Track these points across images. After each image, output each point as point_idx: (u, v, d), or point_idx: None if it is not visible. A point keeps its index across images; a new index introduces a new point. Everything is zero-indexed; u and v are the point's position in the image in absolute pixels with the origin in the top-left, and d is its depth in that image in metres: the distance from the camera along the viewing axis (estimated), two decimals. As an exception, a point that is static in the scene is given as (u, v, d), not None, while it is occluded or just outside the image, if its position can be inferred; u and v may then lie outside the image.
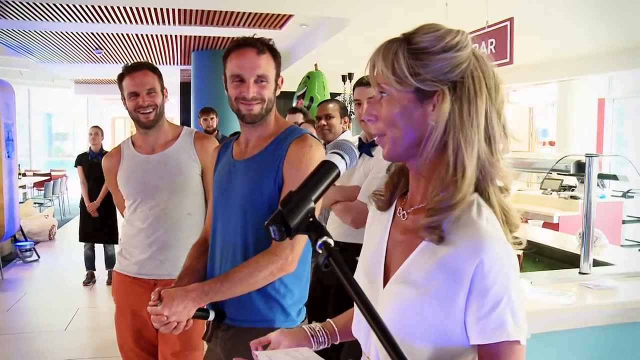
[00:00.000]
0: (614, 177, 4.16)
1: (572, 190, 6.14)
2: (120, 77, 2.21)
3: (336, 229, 2.70)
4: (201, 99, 8.80)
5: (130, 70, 2.19)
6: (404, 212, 1.05)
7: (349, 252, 2.63)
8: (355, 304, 1.12)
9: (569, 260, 2.89)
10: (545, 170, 2.67)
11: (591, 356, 2.23)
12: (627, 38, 6.62)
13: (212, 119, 5.81)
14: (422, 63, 0.93)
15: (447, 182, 0.93)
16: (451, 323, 0.92)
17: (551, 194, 6.36)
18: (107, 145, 6.71)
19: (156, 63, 10.50)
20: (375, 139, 2.58)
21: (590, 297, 2.27)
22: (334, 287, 2.70)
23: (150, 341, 2.26)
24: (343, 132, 3.44)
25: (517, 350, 0.91)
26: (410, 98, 0.94)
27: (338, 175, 0.86)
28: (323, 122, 3.38)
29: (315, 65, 5.88)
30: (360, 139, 2.81)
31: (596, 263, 2.58)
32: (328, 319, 1.27)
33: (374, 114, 0.98)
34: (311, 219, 0.78)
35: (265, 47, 1.69)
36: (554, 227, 5.49)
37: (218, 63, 8.56)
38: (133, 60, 10.32)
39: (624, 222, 6.58)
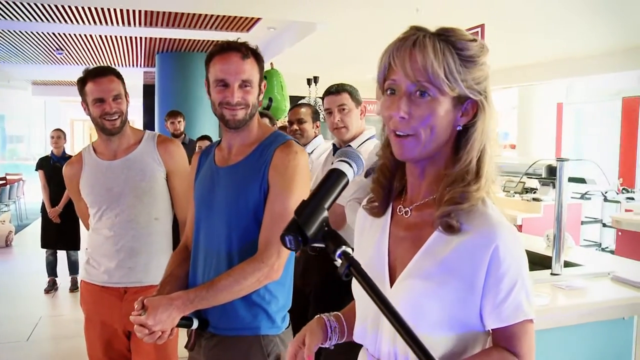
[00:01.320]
0: (583, 181, 4.31)
1: (534, 193, 6.31)
2: (83, 82, 2.13)
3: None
4: (165, 102, 8.66)
5: (94, 75, 2.11)
6: (406, 209, 1.06)
7: (328, 256, 2.68)
8: (357, 309, 1.13)
9: (538, 262, 2.97)
10: (512, 174, 2.74)
11: (564, 356, 2.30)
12: (584, 47, 6.87)
13: (179, 122, 5.73)
14: (467, 70, 0.95)
15: (468, 179, 0.97)
16: (468, 311, 0.96)
17: (514, 196, 6.51)
18: (68, 149, 6.57)
19: (119, 65, 10.28)
20: (347, 145, 2.62)
21: (563, 298, 2.33)
22: (313, 293, 2.71)
23: (121, 352, 2.20)
24: (315, 136, 3.44)
25: (529, 328, 0.98)
26: (447, 102, 0.96)
27: (347, 183, 0.86)
28: (295, 126, 3.37)
29: (271, 63, 5.83)
30: (334, 144, 2.82)
31: (565, 264, 2.66)
32: (337, 313, 1.23)
33: (407, 112, 0.95)
34: (326, 228, 0.78)
35: (249, 51, 1.67)
36: (518, 229, 5.61)
37: (183, 65, 8.44)
38: (95, 61, 10.07)
39: (582, 223, 6.80)
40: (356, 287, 1.13)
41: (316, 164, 3.10)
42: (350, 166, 0.88)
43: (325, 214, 0.79)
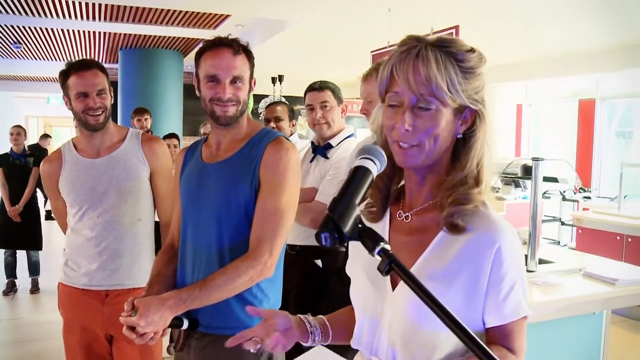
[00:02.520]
0: (555, 180, 4.45)
1: (497, 192, 6.46)
2: (65, 74, 2.05)
3: (292, 232, 2.70)
4: (129, 99, 8.47)
5: (78, 68, 2.03)
6: (406, 214, 1.08)
7: (308, 255, 2.67)
8: (356, 314, 1.13)
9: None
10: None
11: (542, 350, 2.37)
12: (543, 51, 7.09)
13: (146, 119, 5.60)
14: (467, 81, 0.97)
15: (469, 183, 1.00)
16: (472, 310, 0.98)
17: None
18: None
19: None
20: (326, 142, 2.62)
21: (540, 294, 2.40)
22: (293, 293, 2.70)
23: (102, 356, 2.14)
24: (291, 134, 3.44)
25: (524, 324, 1.02)
26: (449, 113, 0.98)
27: (372, 179, 0.87)
28: (272, 124, 3.36)
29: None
30: (312, 142, 2.83)
31: (539, 261, 2.74)
32: (321, 316, 1.23)
33: (412, 124, 0.97)
34: (360, 225, 0.78)
35: (240, 47, 1.66)
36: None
37: (148, 62, 8.28)
38: (55, 57, 9.77)
39: (543, 221, 7.01)
40: (356, 292, 1.13)
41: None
42: (374, 163, 0.88)
43: (358, 210, 0.79)
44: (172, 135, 5.43)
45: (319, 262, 2.66)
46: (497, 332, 1.01)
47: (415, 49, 0.97)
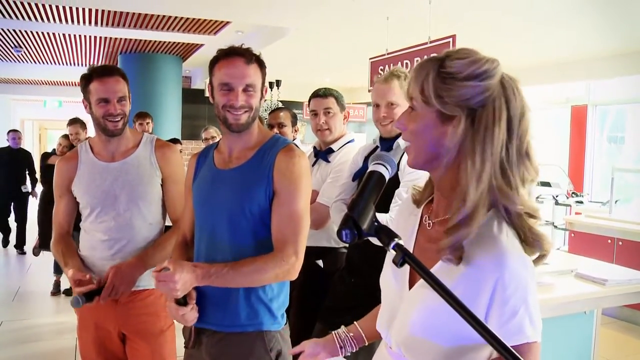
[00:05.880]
0: (548, 184, 4.55)
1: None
2: (87, 79, 2.08)
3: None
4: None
5: (100, 74, 2.06)
6: (430, 221, 1.13)
7: (309, 256, 2.75)
8: (382, 300, 1.23)
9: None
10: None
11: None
12: (536, 58, 7.23)
13: (147, 123, 5.69)
14: (446, 87, 0.99)
15: (460, 199, 0.99)
16: (471, 329, 0.99)
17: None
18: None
19: (79, 64, 10.06)
20: (328, 147, 2.71)
21: (534, 293, 2.50)
22: (295, 292, 2.78)
23: (115, 354, 2.19)
24: (294, 139, 3.54)
25: (533, 348, 0.98)
26: (432, 117, 1.02)
27: (384, 183, 0.97)
28: (276, 130, 3.45)
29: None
30: (314, 147, 2.93)
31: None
32: (354, 322, 1.34)
33: (403, 124, 1.07)
34: (376, 223, 0.88)
35: (253, 57, 1.73)
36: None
37: (147, 67, 8.34)
38: (55, 61, 9.82)
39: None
40: (382, 281, 1.21)
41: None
42: (386, 168, 0.99)
43: (374, 210, 0.90)
44: (175, 141, 5.52)
45: (320, 263, 2.74)
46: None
47: (419, 62, 1.08)
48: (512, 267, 0.95)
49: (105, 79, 2.06)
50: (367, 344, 1.33)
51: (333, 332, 1.33)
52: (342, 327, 1.35)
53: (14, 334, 4.73)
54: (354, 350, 1.33)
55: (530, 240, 1.00)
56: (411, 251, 1.11)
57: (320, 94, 2.80)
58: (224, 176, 1.76)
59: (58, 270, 5.73)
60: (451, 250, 0.97)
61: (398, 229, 1.18)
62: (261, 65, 1.76)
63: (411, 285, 1.10)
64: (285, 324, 1.80)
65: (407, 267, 1.10)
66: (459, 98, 0.98)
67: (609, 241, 5.05)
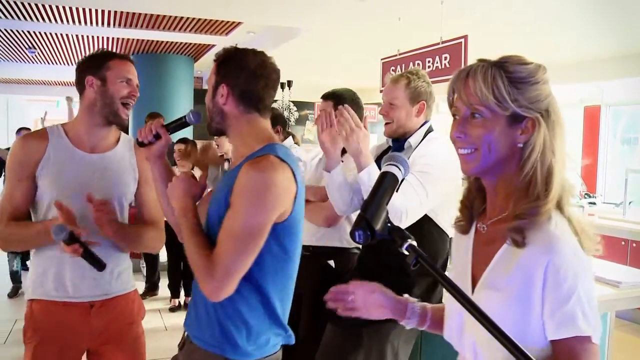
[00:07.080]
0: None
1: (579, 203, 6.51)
2: (108, 56, 1.92)
3: (306, 233, 2.77)
4: (140, 103, 8.37)
5: (121, 56, 1.94)
6: (484, 226, 1.16)
7: (321, 256, 2.76)
8: (446, 308, 1.24)
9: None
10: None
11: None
12: (551, 57, 7.17)
13: (159, 124, 5.70)
14: (520, 91, 1.05)
15: (535, 194, 1.04)
16: (531, 325, 1.01)
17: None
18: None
19: (91, 64, 10.11)
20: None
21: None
22: (307, 293, 2.78)
23: None
24: (285, 138, 3.54)
25: (589, 348, 0.98)
26: (502, 121, 1.06)
27: (397, 182, 0.97)
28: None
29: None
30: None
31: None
32: (426, 304, 1.35)
33: (463, 131, 1.08)
34: (389, 224, 0.89)
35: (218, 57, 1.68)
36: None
37: (159, 67, 8.36)
38: (68, 61, 9.91)
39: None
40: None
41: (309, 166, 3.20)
42: (399, 169, 0.99)
43: (387, 211, 0.90)
44: (182, 141, 5.50)
45: (331, 263, 2.74)
46: (559, 349, 1.00)
47: (470, 67, 1.09)
48: (562, 252, 0.99)
49: (127, 62, 1.95)
50: (424, 328, 1.33)
51: (407, 296, 1.35)
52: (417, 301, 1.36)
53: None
54: (414, 327, 1.33)
55: (581, 227, 1.07)
56: (470, 257, 1.16)
57: (329, 97, 2.76)
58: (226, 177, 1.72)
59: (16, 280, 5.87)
60: (516, 232, 1.03)
61: (457, 249, 1.23)
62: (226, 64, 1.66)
63: (473, 287, 1.13)
64: (270, 355, 1.59)
65: (468, 274, 1.15)
66: (532, 100, 1.06)
67: (623, 243, 5.00)
